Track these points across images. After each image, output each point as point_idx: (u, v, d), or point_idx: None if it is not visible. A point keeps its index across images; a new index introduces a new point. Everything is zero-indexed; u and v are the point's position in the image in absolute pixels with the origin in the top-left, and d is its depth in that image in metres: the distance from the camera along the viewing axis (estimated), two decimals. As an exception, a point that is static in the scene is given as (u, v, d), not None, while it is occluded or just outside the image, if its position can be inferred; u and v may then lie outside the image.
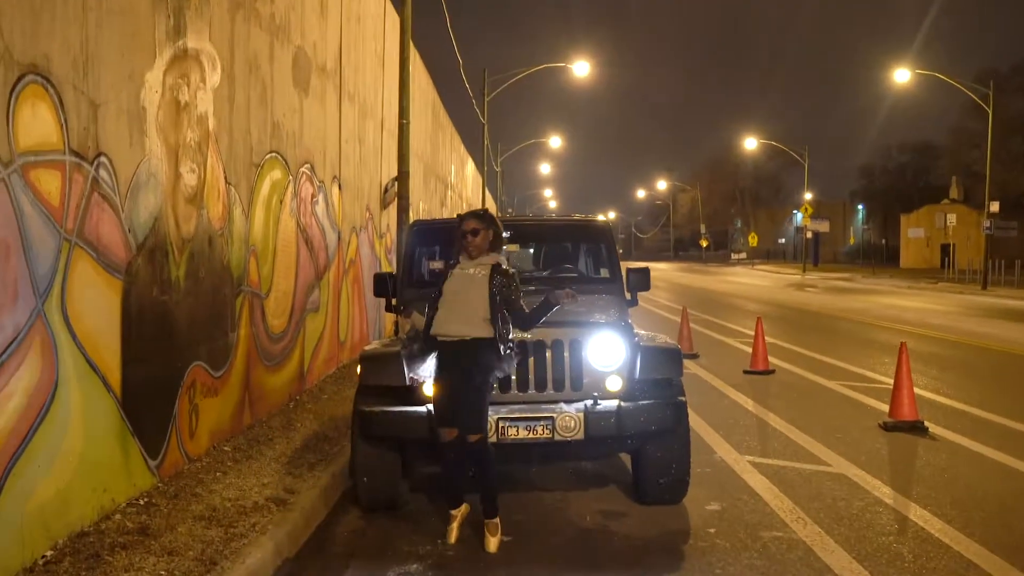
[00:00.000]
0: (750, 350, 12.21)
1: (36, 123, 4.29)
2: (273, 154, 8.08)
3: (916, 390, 8.55)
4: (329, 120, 10.31)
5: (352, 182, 11.73)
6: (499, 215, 6.68)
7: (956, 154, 61.88)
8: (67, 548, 4.41)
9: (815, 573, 4.60)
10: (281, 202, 8.40)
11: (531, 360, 5.44)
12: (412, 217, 12.57)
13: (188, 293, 6.12)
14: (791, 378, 11.25)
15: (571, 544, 5.15)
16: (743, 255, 79.54)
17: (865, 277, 46.29)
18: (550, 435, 5.30)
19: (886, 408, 8.47)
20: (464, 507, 5.22)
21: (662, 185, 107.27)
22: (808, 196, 59.24)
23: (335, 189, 10.79)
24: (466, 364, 4.97)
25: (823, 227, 58.72)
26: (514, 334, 5.15)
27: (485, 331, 4.95)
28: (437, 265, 6.99)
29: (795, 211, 73.39)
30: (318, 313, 9.93)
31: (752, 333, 12.70)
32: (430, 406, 5.26)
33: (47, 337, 4.39)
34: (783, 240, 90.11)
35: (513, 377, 5.37)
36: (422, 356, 5.25)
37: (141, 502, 5.23)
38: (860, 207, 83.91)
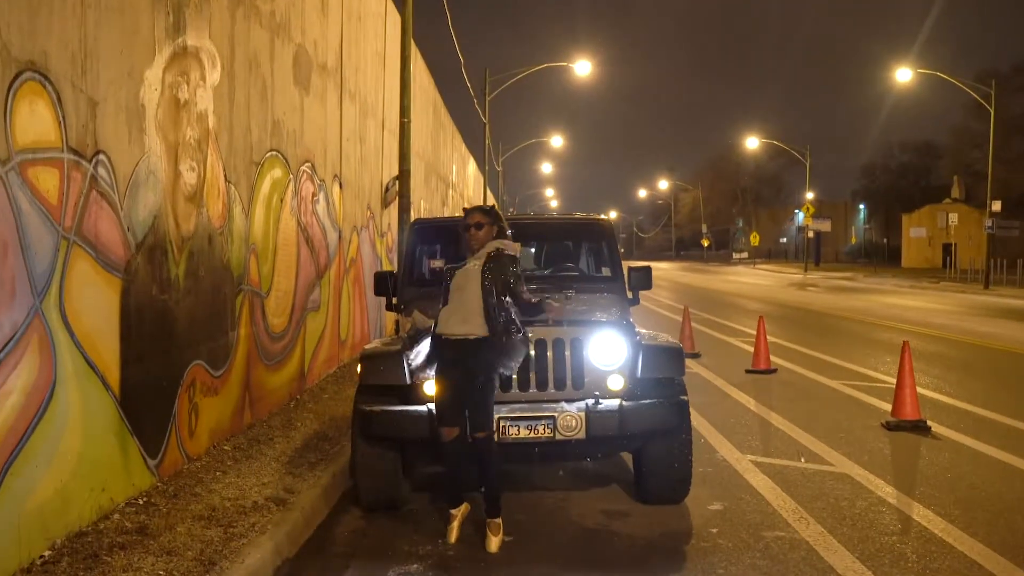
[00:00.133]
0: (752, 349, 12.17)
1: (34, 120, 4.26)
2: (273, 152, 8.06)
3: (919, 389, 8.51)
4: (330, 119, 10.28)
5: (353, 181, 11.71)
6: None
7: (958, 153, 61.87)
8: (65, 548, 4.39)
9: (818, 573, 4.57)
10: (281, 201, 8.37)
11: (532, 359, 5.41)
12: (413, 216, 12.55)
13: (188, 292, 6.10)
14: (793, 377, 11.22)
15: (572, 544, 5.12)
16: (744, 255, 79.51)
17: (867, 276, 46.24)
18: (551, 434, 5.27)
19: (888, 407, 8.44)
20: (464, 506, 5.19)
21: (663, 185, 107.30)
22: (810, 195, 59.18)
23: (336, 188, 10.76)
24: (468, 363, 4.94)
25: (825, 226, 58.66)
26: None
27: (483, 329, 4.92)
28: (438, 264, 6.97)
29: (797, 210, 73.26)
30: (319, 312, 9.91)
31: (754, 332, 12.67)
32: (431, 405, 5.24)
33: (45, 336, 4.36)
34: (785, 240, 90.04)
35: (514, 376, 5.34)
36: (427, 354, 5.21)
37: (140, 502, 5.21)
38: (862, 206, 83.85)
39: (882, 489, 6.07)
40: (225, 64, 6.74)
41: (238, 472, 6.00)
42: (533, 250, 7.89)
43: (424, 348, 5.29)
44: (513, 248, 5.12)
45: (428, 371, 5.23)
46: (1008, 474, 6.53)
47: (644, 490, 5.79)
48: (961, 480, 6.34)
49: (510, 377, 5.32)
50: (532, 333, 5.37)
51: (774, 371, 11.49)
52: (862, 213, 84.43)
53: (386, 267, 13.90)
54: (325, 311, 10.22)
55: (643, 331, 5.99)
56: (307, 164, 9.27)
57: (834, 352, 13.62)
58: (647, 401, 5.42)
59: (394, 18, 14.15)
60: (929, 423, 7.96)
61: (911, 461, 6.95)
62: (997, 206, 34.39)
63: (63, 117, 4.50)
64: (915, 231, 62.98)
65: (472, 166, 37.65)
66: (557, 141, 53.66)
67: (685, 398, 5.59)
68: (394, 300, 6.77)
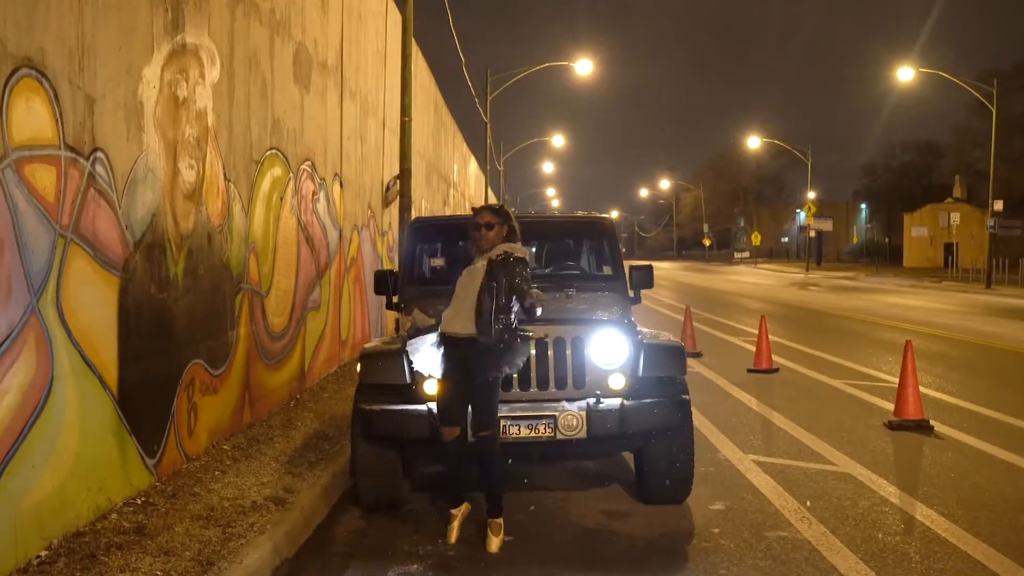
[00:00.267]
0: (754, 349, 12.14)
1: (30, 117, 4.23)
2: (273, 151, 8.03)
3: (921, 389, 8.48)
4: (330, 117, 10.25)
5: (353, 180, 11.68)
6: None
7: (959, 153, 61.78)
8: (62, 548, 4.36)
9: (821, 574, 4.54)
10: (281, 199, 8.34)
11: (533, 358, 5.37)
12: (414, 216, 12.52)
13: (187, 290, 6.07)
14: (795, 377, 11.19)
15: (573, 544, 5.09)
16: (746, 254, 79.45)
17: (868, 276, 46.19)
18: (552, 434, 5.23)
19: (891, 407, 8.41)
20: (465, 506, 5.16)
21: (665, 184, 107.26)
22: (811, 195, 59.16)
23: (336, 187, 10.73)
24: (471, 362, 4.91)
25: (826, 226, 58.62)
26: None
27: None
28: (438, 262, 6.94)
29: (798, 210, 73.26)
30: (319, 311, 9.88)
31: (755, 332, 12.64)
32: (431, 404, 5.21)
33: (42, 334, 4.33)
34: (786, 239, 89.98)
35: (515, 375, 5.30)
36: (432, 353, 5.16)
37: (138, 501, 5.18)
38: (863, 206, 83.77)
39: (885, 489, 6.03)
40: (224, 62, 6.71)
41: (237, 472, 5.97)
42: (534, 249, 7.87)
43: (425, 347, 5.25)
44: (521, 251, 5.06)
45: (428, 370, 5.19)
46: (1012, 474, 6.49)
47: (645, 490, 5.75)
48: (964, 480, 6.30)
49: (511, 376, 5.28)
50: (532, 332, 5.34)
51: (776, 370, 11.46)
52: (864, 212, 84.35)
53: (387, 266, 13.87)
54: (325, 310, 10.19)
55: (644, 330, 5.96)
56: (307, 163, 9.24)
57: (836, 351, 13.59)
58: (648, 400, 5.38)
59: (395, 16, 14.12)
60: (932, 422, 7.92)
61: (914, 461, 6.92)
62: (999, 205, 34.37)
63: (60, 114, 4.47)
64: (917, 231, 62.94)
65: (473, 165, 37.63)
66: (558, 140, 53.67)
67: (687, 397, 5.55)
68: (394, 299, 6.74)
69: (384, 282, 6.69)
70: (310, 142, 9.32)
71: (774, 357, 11.86)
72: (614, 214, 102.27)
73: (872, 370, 11.65)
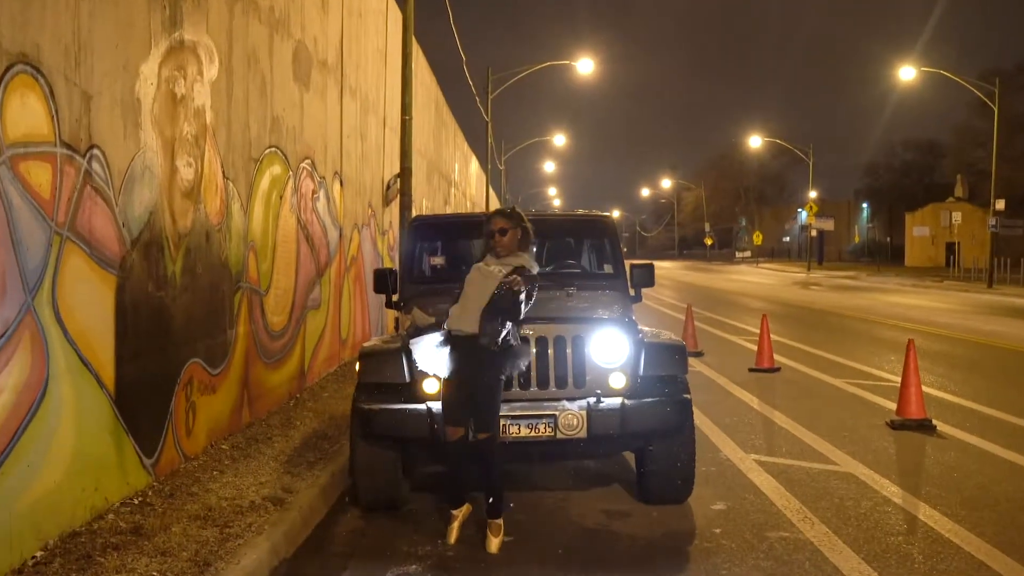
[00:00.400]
0: (755, 348, 12.11)
1: (26, 114, 4.20)
2: (273, 149, 7.99)
3: (924, 388, 8.43)
4: (330, 115, 10.22)
5: (354, 178, 11.64)
6: None
7: (961, 152, 61.71)
8: (58, 549, 4.33)
9: (823, 575, 4.50)
10: (281, 198, 8.31)
11: (533, 357, 5.33)
12: (415, 214, 12.48)
13: (185, 289, 6.03)
14: (797, 376, 11.15)
15: (573, 544, 5.05)
16: (747, 253, 79.44)
17: (870, 275, 46.14)
18: (552, 433, 5.20)
19: (893, 406, 8.37)
20: (466, 507, 5.12)
21: (666, 184, 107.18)
22: (813, 194, 59.07)
23: (336, 185, 10.69)
24: (475, 361, 4.86)
25: (828, 225, 58.58)
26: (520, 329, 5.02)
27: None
28: (438, 261, 6.91)
29: (800, 209, 73.15)
30: (319, 310, 9.84)
31: (757, 331, 12.60)
32: (431, 404, 5.17)
33: (37, 332, 4.29)
34: (787, 239, 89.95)
35: (515, 375, 5.26)
36: (437, 352, 5.09)
37: (135, 501, 5.14)
38: (865, 205, 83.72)
39: (887, 489, 6.00)
40: (223, 59, 6.67)
41: (236, 471, 5.94)
42: (535, 247, 7.81)
43: (429, 346, 5.20)
44: (534, 267, 5.02)
45: (428, 369, 5.14)
46: (1015, 473, 6.45)
47: (646, 490, 5.71)
48: (967, 479, 6.26)
49: (511, 376, 5.25)
50: (532, 331, 5.30)
51: (778, 370, 11.42)
52: (865, 212, 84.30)
53: (387, 265, 13.83)
54: (325, 309, 10.16)
55: (645, 329, 5.92)
56: (307, 161, 9.20)
57: (838, 350, 13.55)
58: (649, 399, 5.34)
59: (395, 15, 14.08)
60: (934, 422, 7.88)
61: (916, 460, 6.88)
62: (1001, 205, 34.30)
63: (56, 110, 4.43)
64: (918, 230, 62.89)
65: (474, 164, 37.60)
66: (559, 140, 53.62)
67: (688, 396, 5.51)
68: (394, 297, 6.70)
69: (384, 281, 6.64)
70: (310, 140, 9.29)
71: (776, 356, 11.83)
72: (615, 213, 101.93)
73: (874, 369, 11.61)
